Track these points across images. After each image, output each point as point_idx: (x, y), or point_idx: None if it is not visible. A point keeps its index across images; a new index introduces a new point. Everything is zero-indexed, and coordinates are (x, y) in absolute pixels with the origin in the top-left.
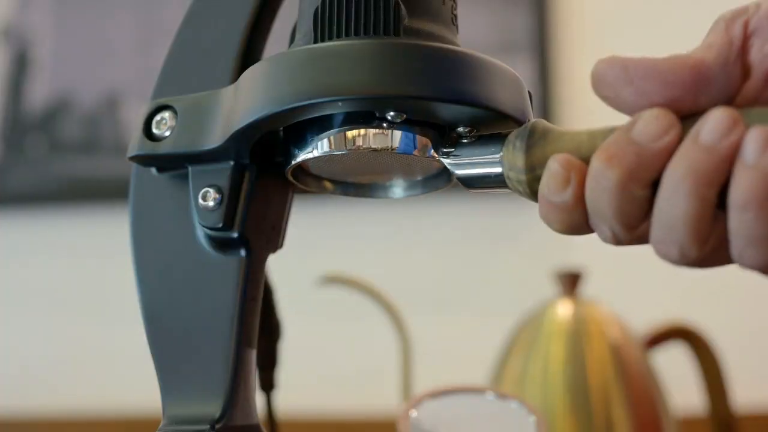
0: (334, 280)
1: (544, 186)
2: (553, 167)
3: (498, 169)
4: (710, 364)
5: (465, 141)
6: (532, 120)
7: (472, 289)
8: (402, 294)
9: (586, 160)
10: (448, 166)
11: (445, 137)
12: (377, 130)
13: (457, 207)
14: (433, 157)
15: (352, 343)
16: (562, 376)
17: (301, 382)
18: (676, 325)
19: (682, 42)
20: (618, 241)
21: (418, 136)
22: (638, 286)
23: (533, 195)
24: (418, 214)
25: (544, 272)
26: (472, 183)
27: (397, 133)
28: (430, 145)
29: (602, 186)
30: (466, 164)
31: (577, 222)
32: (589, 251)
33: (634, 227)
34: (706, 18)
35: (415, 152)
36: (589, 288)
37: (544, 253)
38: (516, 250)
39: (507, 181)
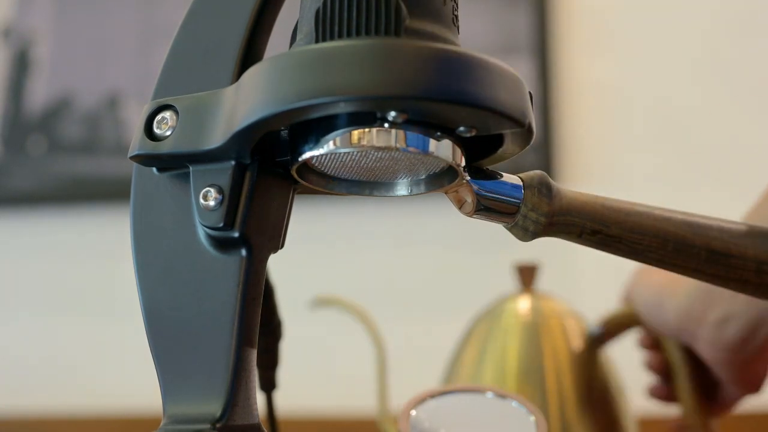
0: (323, 302)
1: None
2: None
3: (514, 203)
4: (667, 352)
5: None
6: (540, 172)
7: (470, 292)
8: (400, 294)
9: (602, 230)
10: (474, 185)
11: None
12: (384, 128)
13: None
14: (459, 172)
15: (353, 343)
16: (518, 370)
17: (301, 382)
18: (629, 313)
19: (681, 42)
20: None
21: (432, 141)
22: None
23: (534, 236)
24: (418, 216)
25: (540, 275)
26: (484, 207)
27: (405, 133)
28: (459, 155)
29: None
30: (487, 188)
31: None
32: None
33: None
34: (704, 18)
35: (430, 154)
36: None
37: (542, 256)
38: (514, 253)
39: (519, 217)
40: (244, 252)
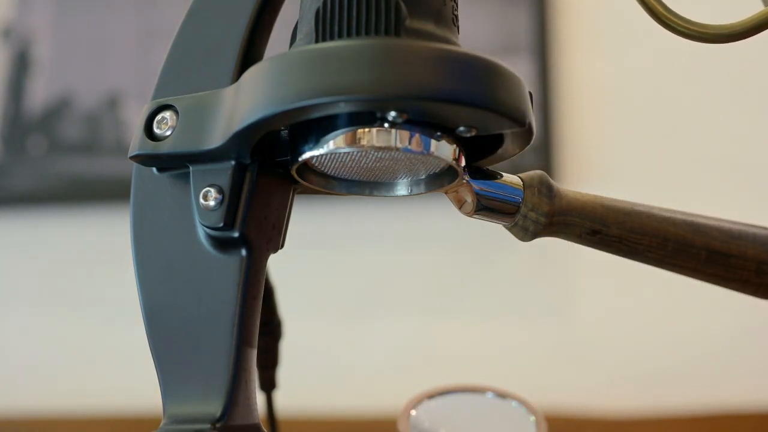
0: None
1: None
2: None
3: (514, 202)
4: None
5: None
6: (540, 172)
7: (469, 292)
8: (400, 295)
9: (601, 230)
10: (474, 185)
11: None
12: (384, 128)
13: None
14: (459, 172)
15: (353, 343)
16: None
17: (301, 382)
18: None
19: (681, 42)
20: None
21: (432, 140)
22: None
23: (534, 236)
24: (417, 216)
25: (540, 275)
26: (484, 207)
27: (405, 133)
28: (459, 155)
29: None
30: (487, 188)
31: None
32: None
33: None
34: (705, 18)
35: (430, 154)
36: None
37: (541, 256)
38: (513, 253)
39: (519, 217)
40: (244, 252)
